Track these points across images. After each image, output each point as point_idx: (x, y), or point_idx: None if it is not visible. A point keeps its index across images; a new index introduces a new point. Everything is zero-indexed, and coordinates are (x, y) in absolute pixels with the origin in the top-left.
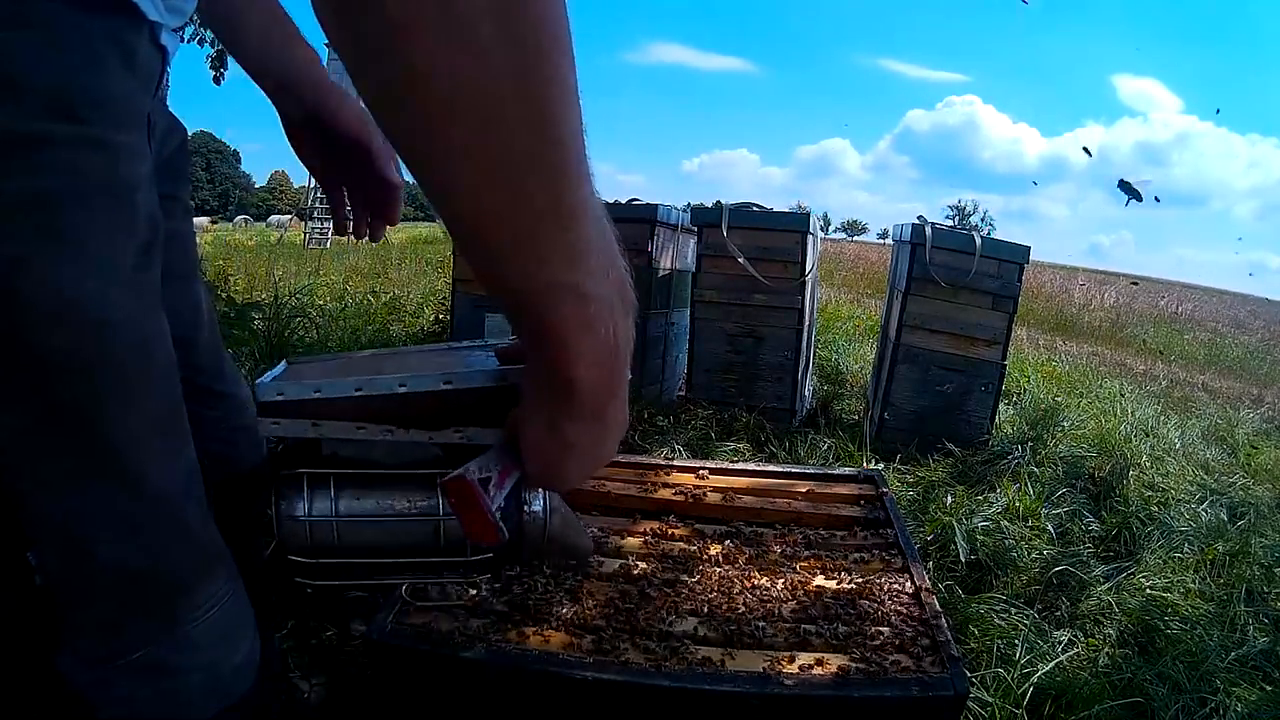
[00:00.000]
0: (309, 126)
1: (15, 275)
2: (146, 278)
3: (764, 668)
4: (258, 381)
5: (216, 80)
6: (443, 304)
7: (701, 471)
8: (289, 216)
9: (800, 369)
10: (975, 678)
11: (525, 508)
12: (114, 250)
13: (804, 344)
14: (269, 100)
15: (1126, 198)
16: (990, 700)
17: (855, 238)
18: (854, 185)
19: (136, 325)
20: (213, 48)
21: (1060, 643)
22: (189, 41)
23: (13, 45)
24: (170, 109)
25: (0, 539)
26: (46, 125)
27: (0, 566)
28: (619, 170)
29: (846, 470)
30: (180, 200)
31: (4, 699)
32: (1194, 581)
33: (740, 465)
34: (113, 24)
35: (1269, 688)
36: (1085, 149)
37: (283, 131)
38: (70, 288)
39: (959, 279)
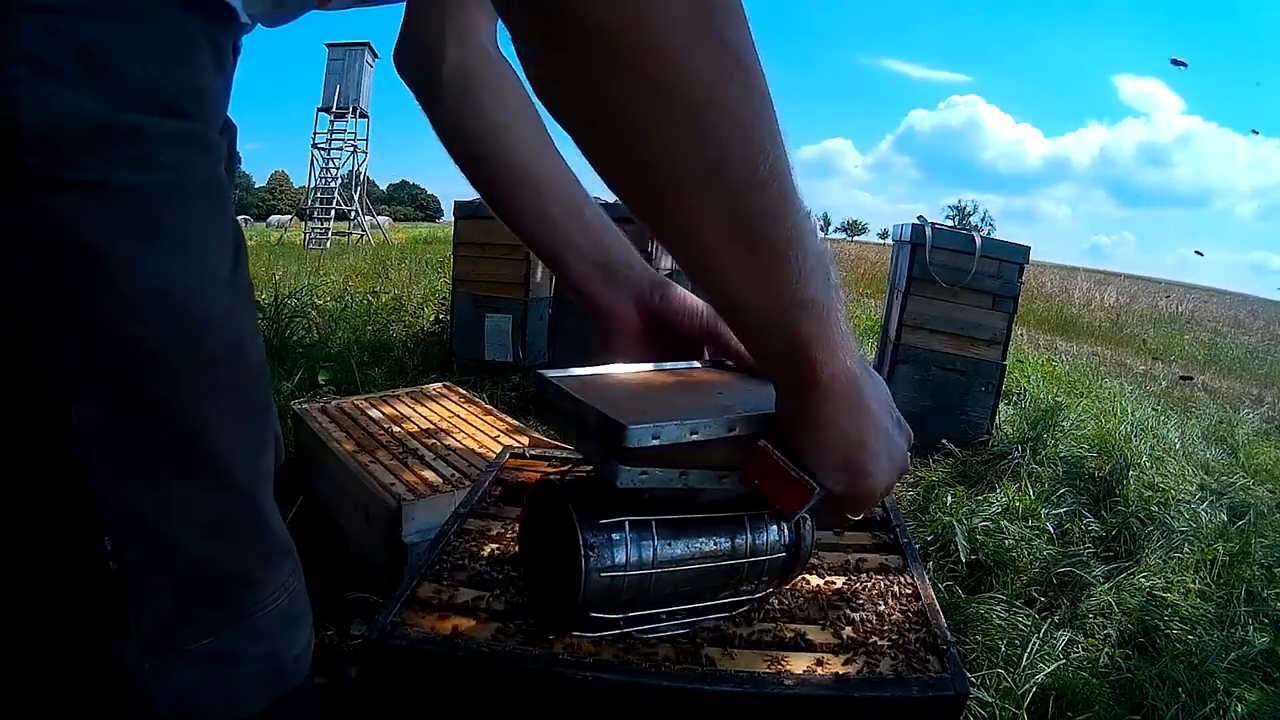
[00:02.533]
0: (645, 321)
1: (118, 270)
2: (241, 279)
3: (764, 668)
4: (629, 426)
5: None
6: (443, 304)
7: None
8: (289, 216)
9: None
10: (975, 678)
11: (802, 540)
12: (213, 251)
13: None
14: (582, 302)
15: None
16: (990, 700)
17: (855, 238)
18: (855, 185)
19: (233, 326)
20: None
21: (1060, 643)
22: None
23: (104, 35)
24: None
25: (73, 526)
26: (145, 118)
27: (69, 551)
28: None
29: None
30: (232, 199)
31: (59, 686)
32: (1194, 581)
33: None
34: (209, 23)
35: (1269, 688)
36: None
37: (598, 329)
38: (172, 285)
39: (959, 279)
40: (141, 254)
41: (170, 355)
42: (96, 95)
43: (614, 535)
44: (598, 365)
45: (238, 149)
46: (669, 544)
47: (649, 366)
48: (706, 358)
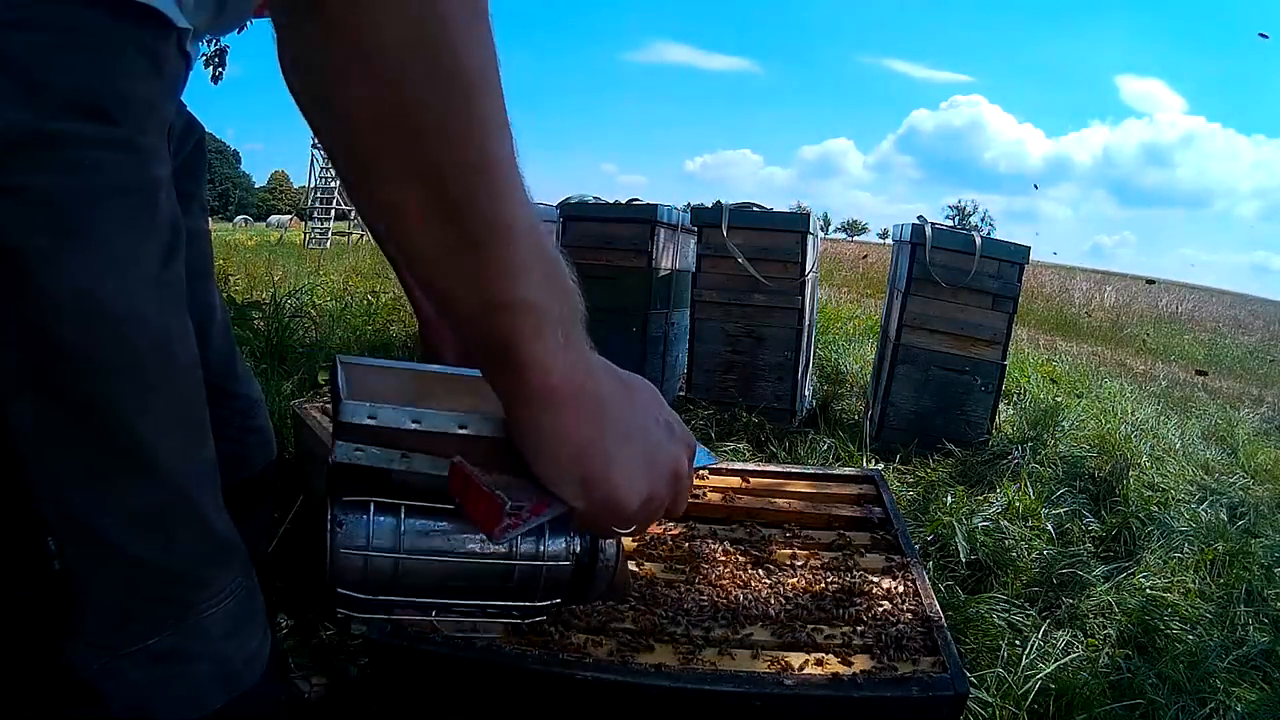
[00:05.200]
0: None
1: (39, 270)
2: (170, 276)
3: (764, 668)
4: (344, 401)
5: (215, 79)
6: None
7: (701, 471)
8: (289, 216)
9: (800, 369)
10: (975, 678)
11: (601, 553)
12: (137, 250)
13: (804, 344)
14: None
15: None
16: (990, 700)
17: (855, 238)
18: (857, 185)
19: (158, 323)
20: (209, 46)
21: (1060, 643)
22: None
23: (31, 46)
24: (188, 108)
25: (17, 525)
26: (71, 124)
27: (15, 553)
28: (621, 170)
29: (846, 470)
30: (197, 198)
31: (13, 688)
32: (1194, 581)
33: (740, 465)
34: (140, 29)
35: (1269, 688)
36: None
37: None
38: (93, 285)
39: (959, 279)
40: (63, 254)
41: (94, 353)
42: (21, 104)
43: (362, 515)
44: (410, 363)
45: (234, 148)
46: (425, 534)
47: (449, 369)
48: None
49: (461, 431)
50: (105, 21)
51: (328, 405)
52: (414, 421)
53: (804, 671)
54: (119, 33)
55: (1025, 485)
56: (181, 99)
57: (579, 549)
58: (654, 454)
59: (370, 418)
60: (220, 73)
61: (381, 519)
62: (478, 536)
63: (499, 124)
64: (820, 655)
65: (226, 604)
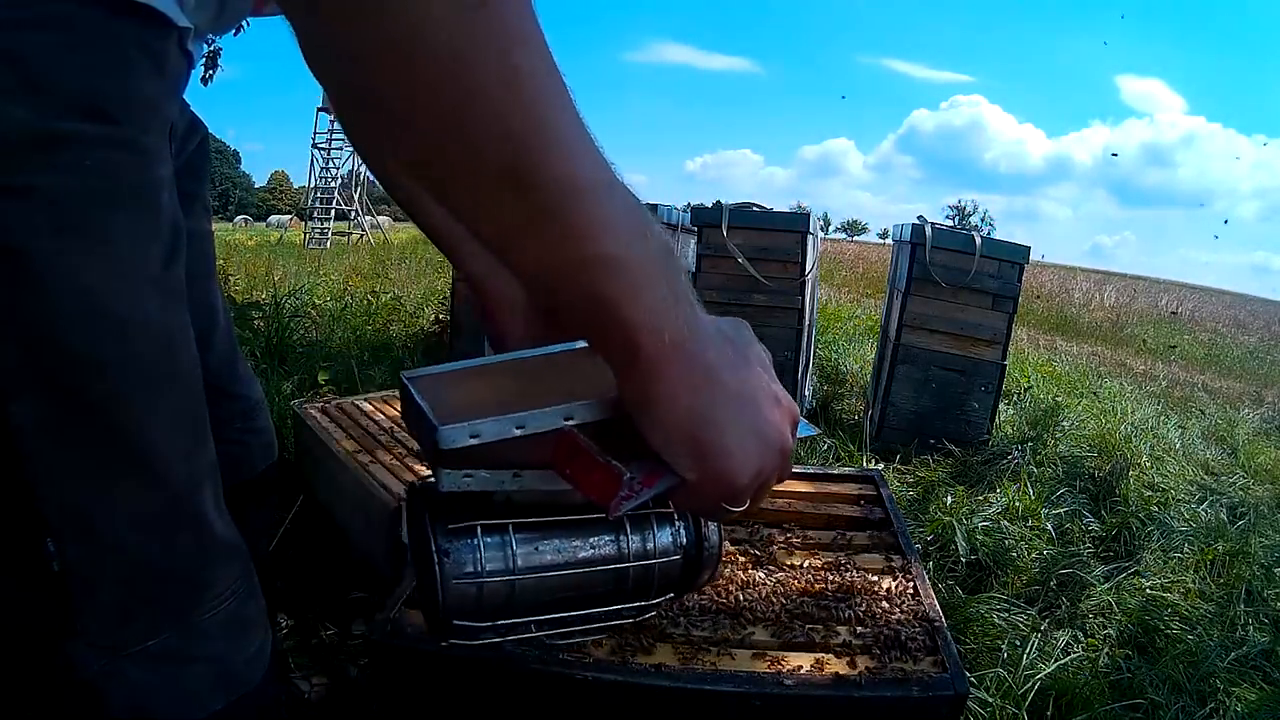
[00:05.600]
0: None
1: (42, 271)
2: (171, 277)
3: (764, 668)
4: (440, 428)
5: (205, 81)
6: (443, 304)
7: None
8: (289, 216)
9: (800, 369)
10: (975, 678)
11: (706, 541)
12: (140, 250)
13: (804, 344)
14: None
15: None
16: (990, 700)
17: (855, 238)
18: (857, 185)
19: (160, 325)
20: (206, 46)
21: (1060, 643)
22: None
23: (35, 46)
24: (191, 108)
25: (17, 525)
26: (74, 124)
27: (15, 552)
28: (621, 170)
29: (846, 470)
30: (200, 199)
31: (14, 687)
32: (1194, 581)
33: None
34: (142, 29)
35: (1269, 688)
36: None
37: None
38: (96, 285)
39: (959, 279)
40: (66, 255)
41: (96, 354)
42: (25, 104)
43: (470, 540)
44: (473, 359)
45: (234, 148)
46: (535, 549)
47: (527, 353)
48: None
49: (569, 423)
50: (107, 21)
51: (327, 405)
52: (518, 427)
53: (804, 671)
54: (121, 32)
55: (1025, 485)
56: (184, 99)
57: (686, 541)
58: (764, 426)
59: (473, 437)
60: (211, 74)
61: (489, 540)
62: (589, 544)
63: (554, 82)
64: (820, 655)
65: (227, 605)
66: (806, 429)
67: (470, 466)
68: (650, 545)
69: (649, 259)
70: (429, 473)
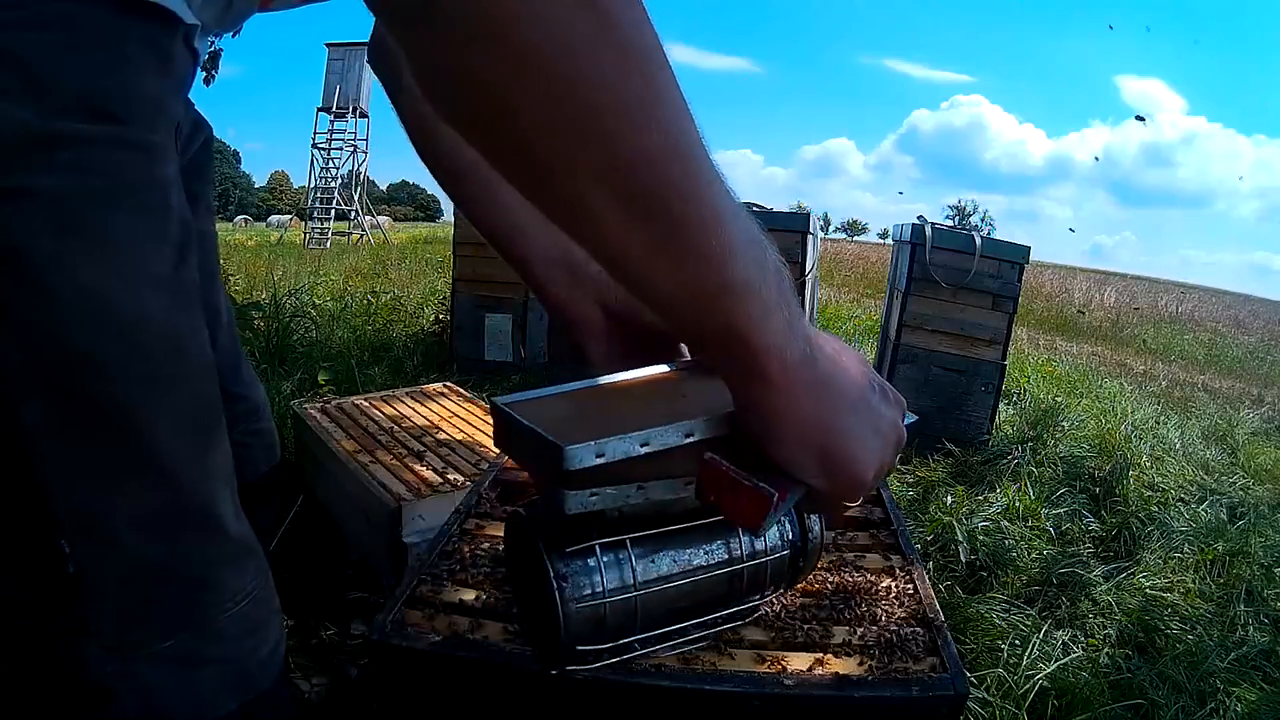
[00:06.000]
0: (611, 321)
1: (46, 272)
2: (181, 277)
3: (764, 668)
4: (566, 448)
5: (207, 81)
6: (443, 304)
7: None
8: (289, 216)
9: None
10: (975, 678)
11: (810, 532)
12: (148, 250)
13: None
14: (552, 307)
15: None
16: (990, 701)
17: (855, 238)
18: (857, 186)
19: (166, 325)
20: (211, 44)
21: (1060, 643)
22: None
23: (36, 46)
24: (195, 107)
25: (32, 527)
26: (78, 124)
27: (31, 554)
28: None
29: None
30: (204, 199)
31: (23, 686)
32: (1194, 581)
33: None
34: (146, 26)
35: (1269, 688)
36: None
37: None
38: (100, 286)
39: (959, 279)
40: (69, 255)
41: (103, 354)
42: (26, 105)
43: (588, 561)
44: (562, 384)
45: (234, 148)
46: (652, 561)
47: (615, 377)
48: (684, 355)
49: (690, 440)
50: (112, 19)
51: (327, 405)
52: (642, 445)
53: (804, 672)
54: (126, 30)
55: (1025, 485)
56: (189, 97)
57: (793, 534)
58: (879, 423)
59: (599, 456)
60: (213, 74)
61: (606, 559)
62: (703, 550)
63: (681, 104)
64: (820, 655)
65: (242, 607)
66: (910, 417)
67: (596, 485)
68: (760, 544)
69: (770, 283)
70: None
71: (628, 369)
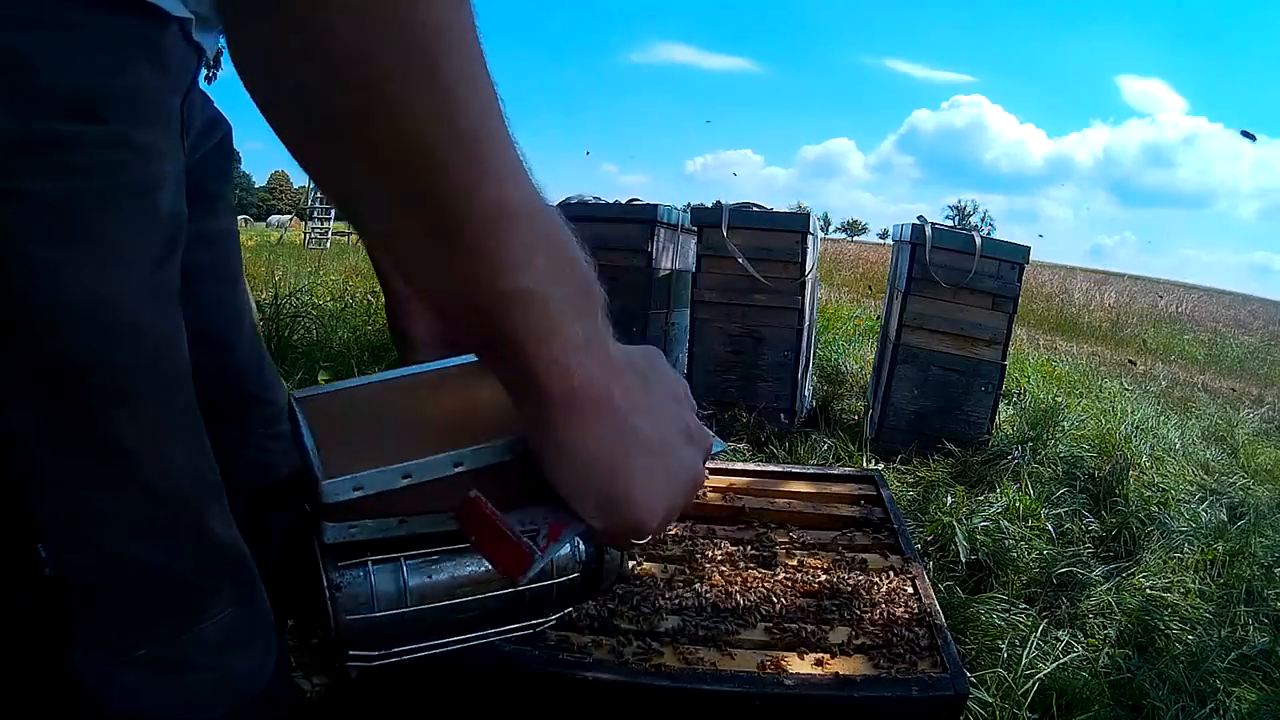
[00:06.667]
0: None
1: (27, 275)
2: (163, 279)
3: (764, 668)
4: (322, 482)
5: (209, 79)
6: None
7: None
8: (289, 216)
9: (800, 369)
10: (975, 678)
11: (606, 553)
12: (129, 251)
13: (804, 344)
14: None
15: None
16: (990, 700)
17: (855, 238)
18: (857, 186)
19: (149, 328)
20: (220, 38)
21: (1060, 643)
22: None
23: (24, 46)
24: (214, 104)
25: (11, 531)
26: (65, 126)
27: (12, 559)
28: (622, 171)
29: (846, 470)
30: (222, 198)
31: (10, 692)
32: (1194, 581)
33: (740, 465)
34: (134, 22)
35: (1269, 688)
36: (1248, 133)
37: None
38: (81, 290)
39: (959, 279)
40: (50, 258)
41: (81, 359)
42: (11, 106)
43: (363, 573)
44: (371, 375)
45: (233, 146)
46: (429, 578)
47: (425, 368)
48: None
49: (458, 470)
50: (93, 16)
51: None
52: (405, 477)
53: (804, 671)
54: (110, 26)
55: (1025, 485)
56: (207, 95)
57: (584, 556)
58: (674, 466)
59: (356, 490)
60: (215, 73)
61: (382, 573)
62: (485, 568)
63: (474, 91)
64: (820, 655)
65: (229, 614)
66: (719, 445)
67: (355, 517)
68: (549, 566)
69: (567, 294)
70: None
71: (451, 355)
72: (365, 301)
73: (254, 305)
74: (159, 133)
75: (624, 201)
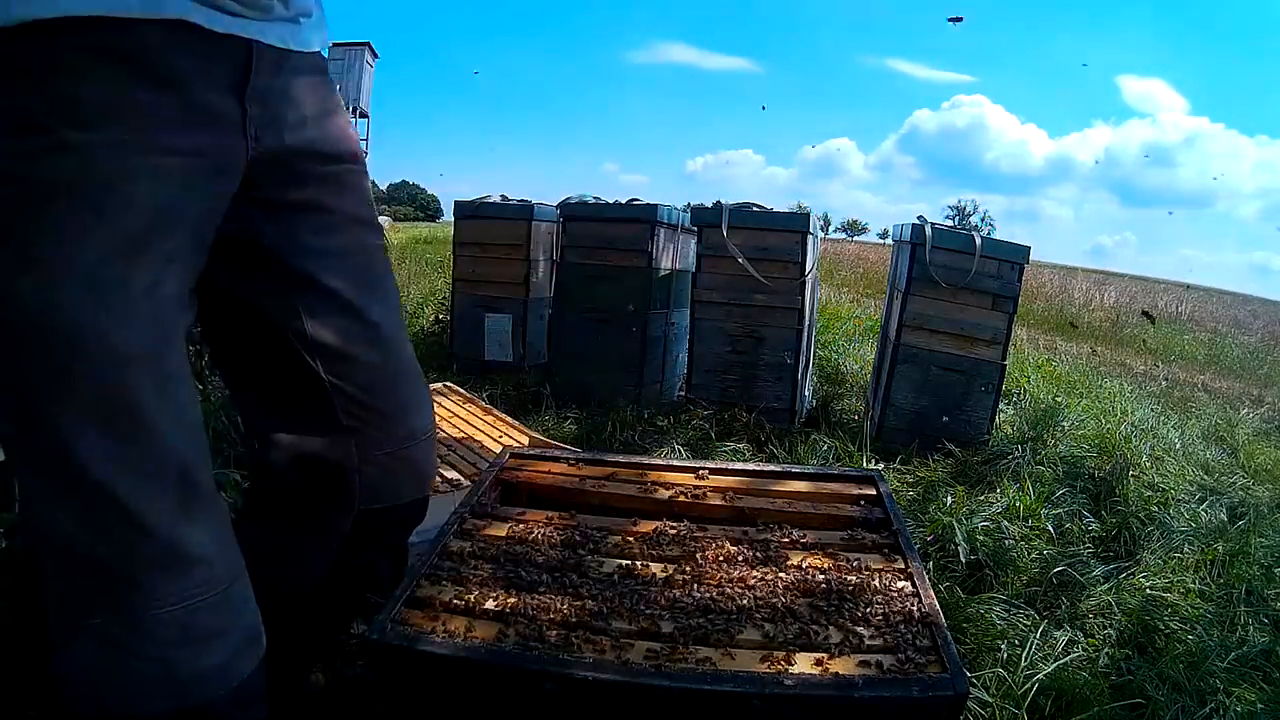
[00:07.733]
0: None
1: None
2: (108, 273)
3: (764, 668)
4: None
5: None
6: (443, 304)
7: (701, 471)
8: None
9: (800, 369)
10: (975, 678)
11: None
12: (64, 245)
13: (804, 344)
14: None
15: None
16: (990, 700)
17: (855, 238)
18: (858, 186)
19: (74, 320)
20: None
21: (1060, 643)
22: None
23: None
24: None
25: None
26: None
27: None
28: (623, 170)
29: (846, 470)
30: (340, 212)
31: (7, 696)
32: (1194, 581)
33: (740, 465)
34: (89, 35)
35: (1269, 688)
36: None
37: None
38: (10, 288)
39: (959, 279)
40: None
41: (10, 350)
42: None
43: None
44: None
45: (361, 164)
46: None
47: None
48: None
49: None
50: (32, 40)
51: None
52: None
53: (804, 671)
54: (54, 44)
55: (1025, 485)
56: (293, 92)
57: None
58: None
59: None
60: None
61: None
62: None
63: None
64: (820, 655)
65: (176, 612)
66: None
67: None
68: None
69: None
70: None
71: None
72: None
73: (399, 321)
74: (114, 131)
75: (624, 201)
